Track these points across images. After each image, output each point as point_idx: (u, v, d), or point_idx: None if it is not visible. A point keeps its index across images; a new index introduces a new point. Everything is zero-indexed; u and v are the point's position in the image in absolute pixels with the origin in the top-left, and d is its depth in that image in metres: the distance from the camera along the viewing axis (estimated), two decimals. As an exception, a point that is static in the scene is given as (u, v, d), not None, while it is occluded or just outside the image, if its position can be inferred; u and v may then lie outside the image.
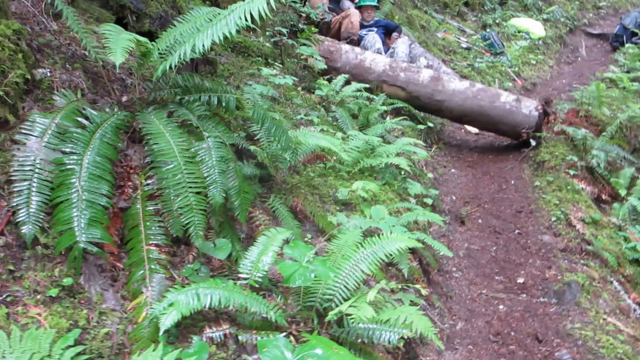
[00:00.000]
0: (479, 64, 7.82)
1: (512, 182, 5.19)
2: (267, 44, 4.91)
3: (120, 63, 2.33)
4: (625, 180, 5.00)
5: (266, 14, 2.38)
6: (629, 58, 8.99)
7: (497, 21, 9.39)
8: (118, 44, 2.31)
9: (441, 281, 3.76)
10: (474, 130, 6.39)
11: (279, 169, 3.32)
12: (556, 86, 8.43)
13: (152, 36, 3.45)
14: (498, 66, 8.04)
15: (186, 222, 2.34)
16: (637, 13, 10.41)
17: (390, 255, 2.58)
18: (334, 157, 4.04)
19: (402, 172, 4.23)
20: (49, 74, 2.58)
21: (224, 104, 2.87)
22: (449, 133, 6.25)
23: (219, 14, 2.61)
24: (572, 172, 5.04)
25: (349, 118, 4.76)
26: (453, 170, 5.50)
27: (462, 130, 6.41)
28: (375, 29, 6.58)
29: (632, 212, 4.68)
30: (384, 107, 5.11)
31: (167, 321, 2.02)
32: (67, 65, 2.72)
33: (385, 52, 6.43)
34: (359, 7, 6.69)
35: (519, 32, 9.26)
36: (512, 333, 3.26)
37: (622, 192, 4.84)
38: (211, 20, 2.60)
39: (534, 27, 9.44)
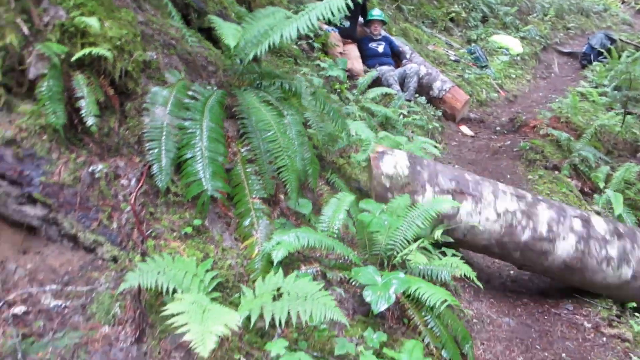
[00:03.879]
0: (468, 75, 8.51)
1: (508, 176, 5.82)
2: (295, 46, 5.43)
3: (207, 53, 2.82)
4: (602, 176, 5.70)
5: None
6: (597, 75, 9.88)
7: (481, 37, 10.16)
8: (229, 31, 2.80)
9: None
10: (470, 132, 7.04)
11: (329, 151, 3.83)
12: (534, 98, 9.20)
13: (210, 32, 3.94)
14: (484, 78, 8.76)
15: (284, 180, 2.83)
16: (601, 34, 11.39)
17: (439, 212, 3.12)
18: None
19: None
20: (154, 57, 3.03)
21: (293, 89, 3.37)
22: (448, 135, 6.87)
23: (299, 11, 3.12)
24: (563, 170, 5.71)
25: (369, 117, 5.31)
26: (456, 166, 6.10)
27: (460, 133, 7.03)
28: (384, 44, 7.18)
29: (608, 202, 5.37)
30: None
31: (279, 255, 2.50)
32: (165, 51, 3.18)
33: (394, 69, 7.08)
34: (367, 22, 7.26)
35: (500, 48, 10.05)
36: (525, 288, 3.84)
37: (601, 185, 5.53)
38: (289, 17, 3.11)
39: (513, 43, 10.24)
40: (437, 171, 3.61)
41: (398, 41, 7.68)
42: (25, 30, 2.29)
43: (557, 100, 8.14)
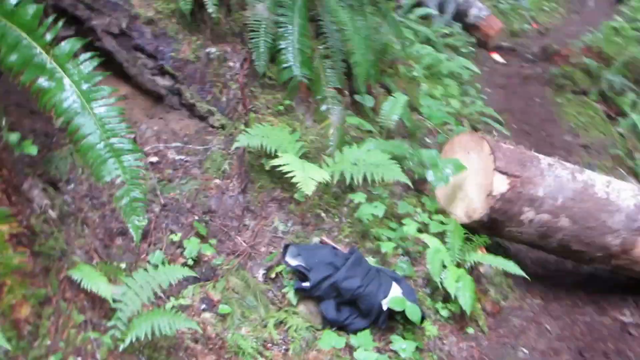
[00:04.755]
0: (502, 5, 8.73)
1: (537, 100, 6.24)
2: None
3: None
4: (629, 101, 6.09)
5: None
6: (632, 10, 9.98)
7: (518, -32, 10.24)
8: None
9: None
10: (502, 60, 7.39)
11: (383, 60, 4.29)
12: (567, 32, 9.38)
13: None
14: (519, 9, 8.96)
15: (355, 74, 3.32)
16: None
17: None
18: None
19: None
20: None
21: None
22: (480, 61, 7.23)
23: None
24: (591, 95, 6.10)
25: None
26: (487, 89, 6.50)
27: (492, 60, 7.38)
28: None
29: (633, 126, 5.79)
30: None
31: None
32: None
33: None
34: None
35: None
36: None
37: (627, 110, 5.94)
38: None
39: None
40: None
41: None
42: None
43: (590, 33, 8.38)
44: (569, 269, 3.69)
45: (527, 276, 2.86)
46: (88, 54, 1.95)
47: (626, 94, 6.19)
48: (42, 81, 1.87)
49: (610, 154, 5.14)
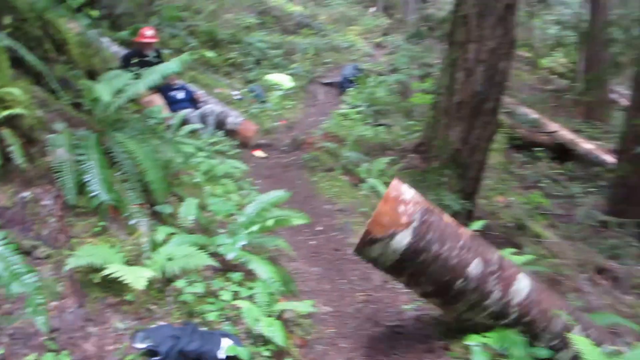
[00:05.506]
0: (253, 110, 10.30)
1: (299, 182, 7.61)
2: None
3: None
4: (364, 170, 7.82)
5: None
6: (352, 98, 12.49)
7: (258, 77, 12.11)
8: (104, 89, 3.97)
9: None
10: (263, 155, 8.75)
11: (169, 172, 5.09)
12: (308, 122, 11.35)
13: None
14: (266, 111, 10.64)
15: (152, 188, 4.06)
16: (351, 66, 14.22)
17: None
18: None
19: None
20: (42, 114, 4.03)
21: (143, 127, 4.59)
22: (246, 159, 8.46)
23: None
24: (336, 170, 7.69)
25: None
26: (258, 180, 7.68)
27: (254, 157, 8.68)
28: (182, 91, 8.57)
29: (372, 187, 7.46)
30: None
31: (159, 237, 3.76)
32: (48, 111, 4.17)
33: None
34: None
35: (274, 84, 12.09)
36: (323, 250, 5.55)
37: (365, 176, 7.63)
38: (135, 78, 4.37)
39: (284, 80, 12.38)
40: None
41: (192, 87, 9.13)
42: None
43: (325, 121, 10.36)
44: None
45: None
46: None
47: (361, 164, 7.93)
48: None
49: (359, 212, 6.61)
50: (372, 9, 21.58)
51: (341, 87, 13.54)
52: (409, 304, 4.53)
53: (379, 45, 17.96)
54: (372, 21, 19.79)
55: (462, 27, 6.98)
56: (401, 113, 10.78)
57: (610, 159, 10.09)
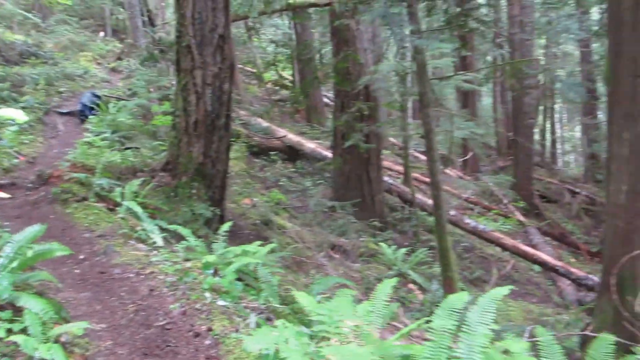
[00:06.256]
0: (-13, 150, 9.76)
1: (52, 216, 7.67)
2: None
3: None
4: (118, 194, 8.22)
5: None
6: (95, 125, 12.52)
7: (-15, 115, 11.36)
8: None
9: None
10: (7, 195, 8.47)
11: None
12: (52, 155, 11.12)
13: None
14: (2, 149, 10.15)
15: None
16: (89, 93, 14.14)
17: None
18: None
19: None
20: None
21: None
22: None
23: None
24: (90, 199, 7.94)
25: None
26: (7, 222, 7.50)
27: (-2, 197, 8.37)
28: None
29: (128, 209, 7.92)
30: None
31: None
32: None
33: None
34: None
35: (6, 120, 11.48)
36: (88, 276, 5.93)
37: (120, 200, 8.05)
38: None
39: (17, 114, 11.77)
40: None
41: None
42: None
43: (70, 152, 10.34)
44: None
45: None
46: None
47: (114, 189, 8.32)
48: None
49: (119, 234, 7.05)
50: (101, 34, 21.35)
51: (81, 115, 13.43)
52: (174, 304, 5.27)
53: (114, 70, 18.00)
54: (104, 46, 19.64)
55: (187, 55, 7.91)
56: (146, 135, 11.31)
57: (329, 154, 12.17)
